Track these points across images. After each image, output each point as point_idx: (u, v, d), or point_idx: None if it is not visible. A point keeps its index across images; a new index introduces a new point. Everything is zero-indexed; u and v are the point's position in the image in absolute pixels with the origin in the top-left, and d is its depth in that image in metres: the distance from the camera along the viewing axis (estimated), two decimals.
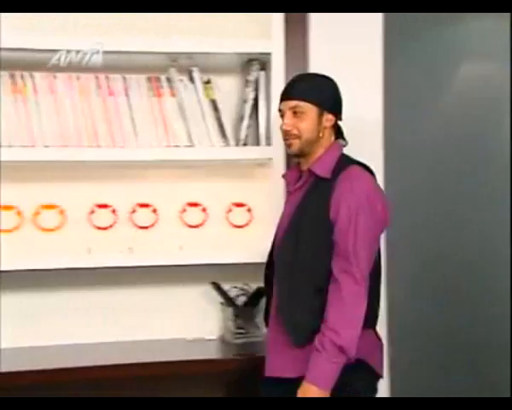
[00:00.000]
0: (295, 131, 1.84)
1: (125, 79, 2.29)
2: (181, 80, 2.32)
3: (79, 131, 2.22)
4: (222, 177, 2.43)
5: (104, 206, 2.35)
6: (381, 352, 1.88)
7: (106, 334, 2.34)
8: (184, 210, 2.41)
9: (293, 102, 1.84)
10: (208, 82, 2.35)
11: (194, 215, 2.42)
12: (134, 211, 2.38)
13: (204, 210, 2.44)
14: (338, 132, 1.91)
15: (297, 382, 1.74)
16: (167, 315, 2.40)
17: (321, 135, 1.85)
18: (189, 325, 2.40)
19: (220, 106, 2.34)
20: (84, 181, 2.33)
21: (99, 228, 2.35)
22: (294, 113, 1.84)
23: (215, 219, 2.44)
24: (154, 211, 2.39)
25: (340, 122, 1.91)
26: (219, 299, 2.39)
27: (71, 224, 2.33)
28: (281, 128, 1.88)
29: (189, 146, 2.30)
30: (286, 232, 1.85)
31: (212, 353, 2.32)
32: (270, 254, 1.96)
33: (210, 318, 2.44)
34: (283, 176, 2.02)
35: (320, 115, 1.84)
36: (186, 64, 2.33)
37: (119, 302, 2.37)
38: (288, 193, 1.98)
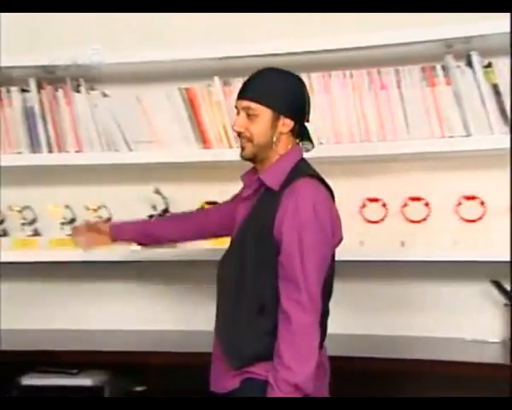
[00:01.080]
0: (247, 134, 1.59)
1: (397, 71, 2.18)
2: (458, 66, 2.12)
3: (351, 127, 2.20)
4: (503, 167, 2.15)
5: (375, 200, 2.30)
6: (325, 376, 1.64)
7: (374, 327, 2.30)
8: (460, 203, 2.20)
9: (244, 103, 1.59)
10: (489, 65, 2.10)
11: (469, 209, 2.20)
12: (405, 205, 2.27)
13: (482, 204, 2.20)
14: (303, 135, 1.65)
15: (229, 395, 1.57)
16: (442, 312, 2.25)
17: (275, 140, 1.59)
18: (466, 324, 2.21)
19: (502, 90, 2.08)
20: (354, 175, 2.31)
21: (370, 222, 2.30)
22: (248, 115, 1.59)
23: (495, 213, 2.18)
24: (427, 205, 2.25)
25: (306, 124, 1.63)
26: (500, 298, 2.14)
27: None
28: (233, 128, 1.63)
29: (466, 136, 2.10)
30: (231, 246, 1.64)
31: (495, 357, 2.08)
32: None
33: (490, 318, 2.20)
34: (241, 177, 1.71)
35: (275, 120, 1.58)
36: (463, 49, 2.12)
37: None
38: (241, 199, 1.70)
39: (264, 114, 1.58)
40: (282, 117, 1.59)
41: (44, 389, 2.15)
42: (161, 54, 2.28)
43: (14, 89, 2.38)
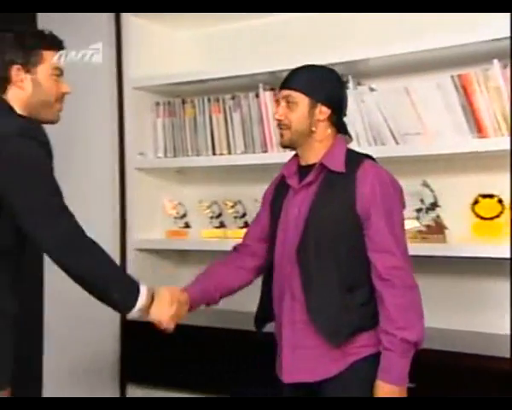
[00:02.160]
0: (286, 121, 1.70)
1: None
2: None
3: None
4: None
5: None
6: None
7: None
8: None
9: (285, 92, 1.70)
10: None
11: None
12: None
13: None
14: (340, 128, 1.73)
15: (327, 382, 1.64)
16: None
17: (313, 129, 1.69)
18: None
19: None
20: None
21: None
22: (287, 102, 1.69)
23: None
24: None
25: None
26: None
27: None
28: (274, 118, 1.75)
29: None
30: (304, 233, 1.65)
31: None
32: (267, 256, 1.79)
33: None
34: (282, 172, 1.76)
35: (312, 107, 1.68)
36: None
37: None
38: (292, 195, 1.71)
39: (302, 101, 1.67)
40: (319, 105, 1.67)
41: None
42: (433, 42, 2.10)
43: None
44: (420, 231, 2.23)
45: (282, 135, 1.72)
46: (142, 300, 1.63)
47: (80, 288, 1.61)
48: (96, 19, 2.68)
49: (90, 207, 2.72)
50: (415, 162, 2.29)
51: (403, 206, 1.71)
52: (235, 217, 2.65)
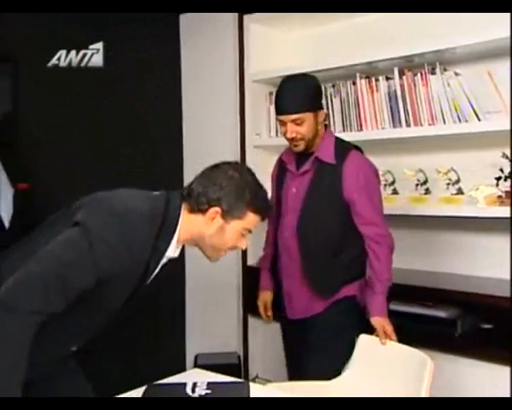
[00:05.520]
0: (298, 136, 1.83)
1: None
2: None
3: None
4: None
5: None
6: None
7: None
8: None
9: (292, 117, 1.81)
10: None
11: None
12: None
13: None
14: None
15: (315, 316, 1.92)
16: None
17: (319, 128, 1.88)
18: None
19: None
20: None
21: None
22: (296, 124, 1.81)
23: None
24: None
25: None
26: None
27: None
28: (284, 135, 1.86)
29: None
30: (302, 214, 1.88)
31: None
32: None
33: None
34: (281, 158, 2.01)
35: (315, 116, 1.85)
36: None
37: None
38: (290, 177, 1.94)
39: (309, 117, 1.82)
40: (318, 112, 1.86)
41: (404, 314, 2.19)
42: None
43: (380, 78, 2.46)
44: (499, 196, 2.20)
45: (296, 146, 1.87)
46: None
47: None
48: (224, 26, 2.86)
49: None
50: (495, 136, 2.25)
51: (379, 183, 1.96)
52: None
